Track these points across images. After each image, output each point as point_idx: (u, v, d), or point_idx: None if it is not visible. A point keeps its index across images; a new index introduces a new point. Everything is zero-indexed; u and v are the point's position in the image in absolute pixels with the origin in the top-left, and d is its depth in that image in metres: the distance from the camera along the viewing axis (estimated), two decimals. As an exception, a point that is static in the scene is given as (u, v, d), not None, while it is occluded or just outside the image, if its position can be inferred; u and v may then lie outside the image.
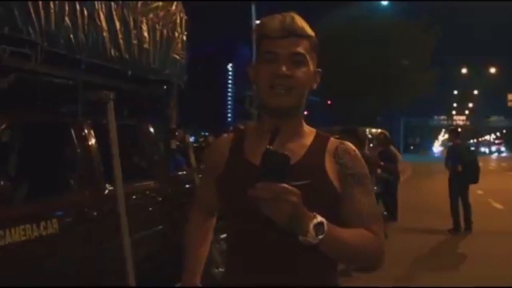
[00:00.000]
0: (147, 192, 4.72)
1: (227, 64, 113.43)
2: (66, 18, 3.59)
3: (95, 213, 3.85)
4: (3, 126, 3.29)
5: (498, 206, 12.88)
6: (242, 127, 8.32)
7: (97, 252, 3.85)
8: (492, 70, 69.36)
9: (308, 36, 1.51)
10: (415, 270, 6.39)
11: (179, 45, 5.18)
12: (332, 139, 1.59)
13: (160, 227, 4.73)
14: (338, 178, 1.51)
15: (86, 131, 3.98)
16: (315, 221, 1.33)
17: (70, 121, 3.87)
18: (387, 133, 13.58)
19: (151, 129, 4.97)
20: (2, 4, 3.08)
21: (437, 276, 6.17)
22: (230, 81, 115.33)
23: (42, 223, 3.32)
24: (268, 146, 1.32)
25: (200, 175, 1.71)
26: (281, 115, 1.49)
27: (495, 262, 6.93)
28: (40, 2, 3.34)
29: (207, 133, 21.32)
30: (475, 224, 9.22)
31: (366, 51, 36.58)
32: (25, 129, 3.73)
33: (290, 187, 1.28)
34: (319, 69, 1.57)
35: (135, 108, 4.81)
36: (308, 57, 1.51)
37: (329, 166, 1.52)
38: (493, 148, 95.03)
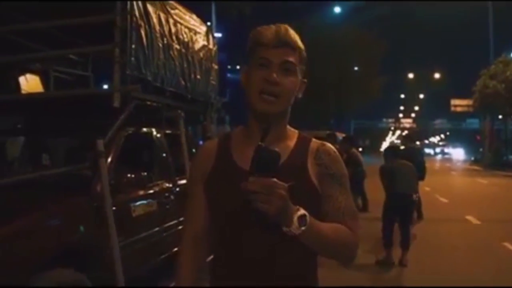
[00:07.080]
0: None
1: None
2: (161, 62, 5.21)
3: (172, 197, 5.48)
4: (125, 135, 4.87)
5: (443, 200, 15.16)
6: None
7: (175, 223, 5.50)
8: (437, 75, 73.19)
9: (299, 49, 1.61)
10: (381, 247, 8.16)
11: (214, 73, 6.86)
12: (313, 140, 1.66)
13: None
14: (319, 177, 1.59)
15: (164, 139, 5.60)
16: (298, 213, 1.43)
17: (157, 131, 5.48)
18: (350, 137, 15.47)
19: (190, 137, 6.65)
20: (133, 56, 4.67)
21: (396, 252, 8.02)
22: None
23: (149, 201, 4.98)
24: (260, 143, 1.40)
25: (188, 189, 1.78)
26: (268, 120, 1.53)
27: (441, 241, 8.94)
28: (150, 52, 4.94)
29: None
30: (425, 214, 11.28)
31: (320, 58, 38.44)
32: (134, 137, 5.27)
33: (280, 182, 1.38)
34: (305, 80, 1.65)
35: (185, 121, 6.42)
36: (297, 67, 1.60)
37: (311, 167, 1.60)
38: (438, 150, 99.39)
